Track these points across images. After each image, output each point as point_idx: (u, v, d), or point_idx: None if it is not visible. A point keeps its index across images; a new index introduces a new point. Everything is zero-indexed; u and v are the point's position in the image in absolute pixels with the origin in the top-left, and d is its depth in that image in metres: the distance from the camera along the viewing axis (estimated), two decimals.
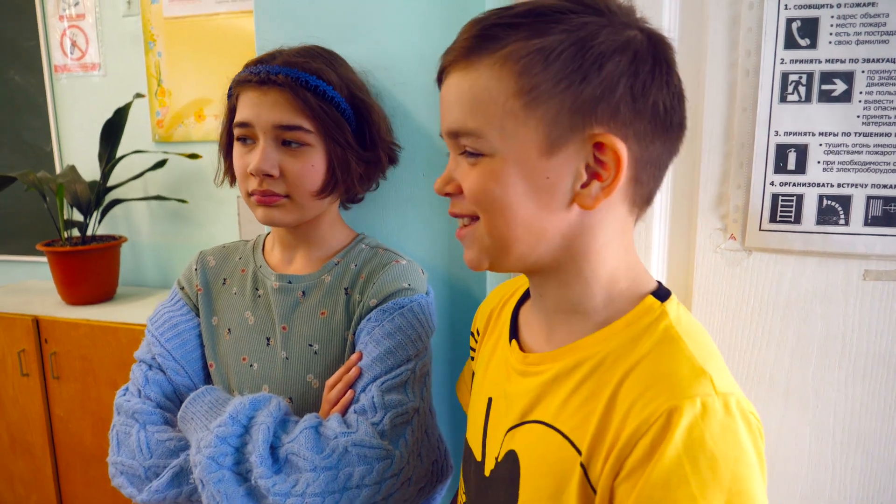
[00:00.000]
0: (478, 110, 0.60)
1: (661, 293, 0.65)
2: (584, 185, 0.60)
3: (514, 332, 0.76)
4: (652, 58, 0.60)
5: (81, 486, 2.09)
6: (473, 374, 0.87)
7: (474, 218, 0.65)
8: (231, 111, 1.00)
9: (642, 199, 0.65)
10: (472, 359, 0.89)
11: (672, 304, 0.64)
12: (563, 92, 0.57)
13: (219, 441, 0.85)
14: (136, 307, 2.09)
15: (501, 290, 0.88)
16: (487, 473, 0.73)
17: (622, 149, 0.58)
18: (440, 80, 0.67)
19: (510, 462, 0.68)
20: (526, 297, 0.79)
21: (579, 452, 0.60)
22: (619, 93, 0.58)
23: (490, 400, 0.76)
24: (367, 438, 0.86)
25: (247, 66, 0.98)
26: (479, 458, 0.75)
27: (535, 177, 0.60)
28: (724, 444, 0.53)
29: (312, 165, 0.96)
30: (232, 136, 1.00)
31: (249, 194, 0.97)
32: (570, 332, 0.67)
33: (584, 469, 0.59)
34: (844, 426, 0.96)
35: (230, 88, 1.00)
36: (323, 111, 0.94)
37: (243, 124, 0.96)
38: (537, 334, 0.72)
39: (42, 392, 2.04)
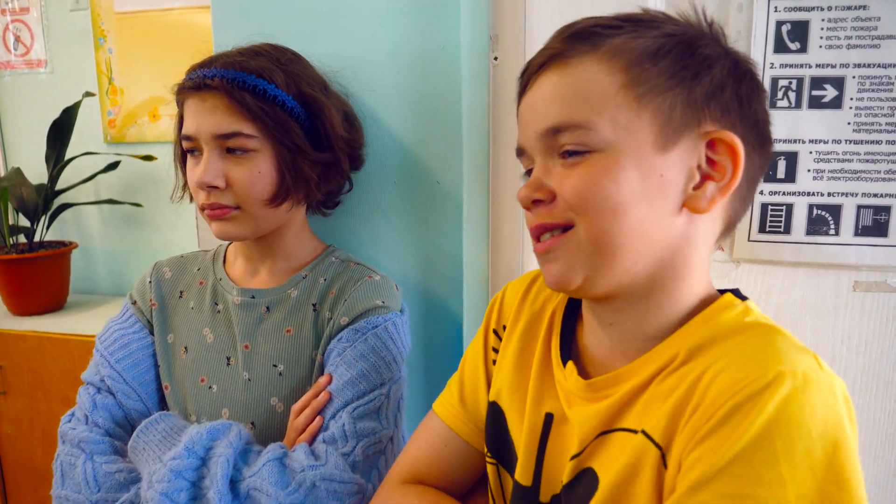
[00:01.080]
0: (585, 102, 0.57)
1: (739, 294, 0.61)
2: (696, 187, 0.57)
3: (568, 353, 0.69)
4: (748, 71, 0.60)
5: None
6: (494, 379, 0.78)
7: (565, 228, 0.60)
8: (179, 120, 0.93)
9: (732, 220, 0.62)
10: (494, 362, 0.79)
11: (752, 303, 0.60)
12: (676, 87, 0.56)
13: (173, 475, 0.78)
14: (88, 317, 1.99)
15: (530, 285, 0.79)
16: (547, 499, 0.66)
17: (739, 143, 0.56)
18: (525, 87, 0.64)
19: (587, 481, 0.61)
20: (573, 308, 0.72)
21: (657, 445, 0.55)
22: (727, 94, 0.57)
23: (549, 417, 0.68)
24: (337, 472, 0.79)
25: (187, 71, 0.91)
26: (527, 483, 0.68)
27: (650, 174, 0.56)
28: (823, 425, 0.47)
29: (259, 172, 0.89)
30: (182, 148, 0.93)
31: (202, 208, 0.91)
32: (647, 349, 0.61)
33: (662, 451, 0.54)
34: None
35: (177, 99, 0.93)
36: (264, 112, 0.87)
37: (187, 137, 0.89)
38: (603, 356, 0.66)
39: None
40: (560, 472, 0.64)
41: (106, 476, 0.86)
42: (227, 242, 1.07)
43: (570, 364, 0.66)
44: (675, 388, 0.55)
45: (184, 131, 0.90)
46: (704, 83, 0.56)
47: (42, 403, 1.89)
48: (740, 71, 0.58)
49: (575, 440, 0.63)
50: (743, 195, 0.61)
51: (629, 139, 0.56)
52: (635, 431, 0.57)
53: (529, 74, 0.63)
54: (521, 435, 0.69)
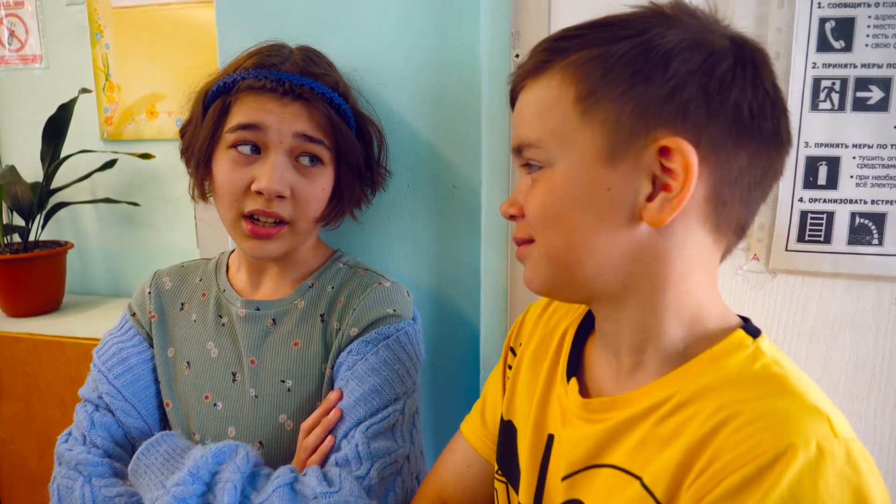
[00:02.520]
0: (538, 120, 0.58)
1: (751, 329, 0.56)
2: (649, 198, 0.54)
3: (574, 369, 0.67)
4: (733, 57, 0.53)
5: None
6: (506, 397, 0.76)
7: (530, 241, 0.61)
8: (220, 114, 0.85)
9: (729, 225, 0.57)
10: (508, 378, 0.79)
11: (765, 341, 0.56)
12: (624, 95, 0.53)
13: (176, 503, 0.73)
14: (84, 319, 1.96)
15: (547, 305, 0.78)
16: None
17: (690, 152, 0.51)
18: (512, 101, 0.64)
19: None
20: (586, 326, 0.70)
21: (657, 500, 0.52)
22: (688, 91, 0.52)
23: (551, 438, 0.66)
24: (353, 499, 0.74)
25: (250, 67, 0.85)
26: None
27: (595, 188, 0.55)
28: (840, 501, 0.45)
29: (323, 189, 0.87)
30: (214, 144, 0.86)
31: (244, 216, 0.84)
32: (645, 372, 0.59)
33: None
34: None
35: (224, 88, 0.85)
36: (341, 131, 0.86)
37: (252, 126, 0.82)
38: (603, 376, 0.64)
39: None
40: (557, 495, 0.63)
41: (105, 501, 0.81)
42: (229, 250, 1.02)
43: (573, 380, 0.65)
44: (675, 435, 0.53)
45: (250, 120, 0.82)
46: (657, 85, 0.52)
47: (37, 407, 1.86)
48: (714, 58, 0.52)
49: (563, 461, 0.62)
50: (730, 200, 0.55)
51: (573, 154, 0.55)
52: (628, 473, 0.55)
53: (511, 94, 0.64)
54: (525, 454, 0.68)
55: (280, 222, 0.85)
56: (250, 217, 0.84)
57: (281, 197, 0.83)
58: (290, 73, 0.83)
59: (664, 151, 0.52)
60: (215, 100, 0.86)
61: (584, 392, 0.64)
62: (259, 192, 0.82)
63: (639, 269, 0.56)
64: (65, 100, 1.91)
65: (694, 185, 0.52)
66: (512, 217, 0.63)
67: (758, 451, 0.46)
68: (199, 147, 0.87)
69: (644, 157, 0.53)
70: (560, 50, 0.57)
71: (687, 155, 0.51)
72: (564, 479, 0.61)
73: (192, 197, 0.94)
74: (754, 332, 0.56)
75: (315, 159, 0.85)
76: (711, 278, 0.58)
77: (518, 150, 0.60)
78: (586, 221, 0.55)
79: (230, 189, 0.84)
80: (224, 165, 0.84)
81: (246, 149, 0.83)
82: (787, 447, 0.45)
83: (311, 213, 0.87)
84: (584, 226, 0.55)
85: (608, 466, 0.57)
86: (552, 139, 0.56)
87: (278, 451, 0.88)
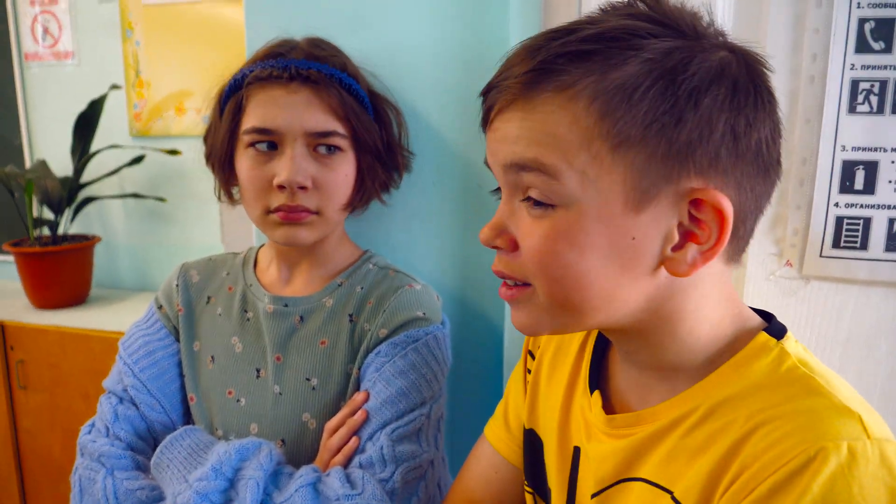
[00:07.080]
0: (554, 146, 0.50)
1: (775, 329, 0.54)
2: (675, 248, 0.51)
3: (596, 380, 0.65)
4: (753, 86, 0.50)
5: (49, 503, 1.96)
6: (527, 403, 0.74)
7: (525, 284, 0.55)
8: (235, 113, 0.86)
9: (738, 252, 0.56)
10: (528, 383, 0.77)
11: (790, 341, 0.54)
12: (656, 136, 0.48)
13: (199, 498, 0.73)
14: (110, 312, 1.97)
15: None
16: None
17: (727, 207, 0.49)
18: (486, 121, 0.56)
19: None
20: (603, 338, 0.68)
21: None
22: (718, 133, 0.48)
23: (577, 451, 0.65)
24: (375, 502, 0.74)
25: (258, 60, 0.85)
26: None
27: (619, 236, 0.50)
28: (875, 502, 0.43)
29: (346, 175, 0.86)
30: (233, 143, 0.87)
31: (271, 211, 0.85)
32: (669, 385, 0.57)
33: None
34: None
35: (236, 86, 0.86)
36: (355, 113, 0.85)
37: (265, 131, 0.83)
38: (627, 385, 0.62)
39: (7, 402, 1.91)
40: None
41: (127, 493, 0.81)
42: (257, 246, 1.02)
43: (596, 393, 0.63)
44: (705, 446, 0.51)
45: (261, 124, 0.83)
46: (689, 127, 0.48)
47: (62, 399, 1.88)
48: (739, 92, 0.49)
49: (591, 478, 0.60)
50: (744, 232, 0.54)
51: (597, 197, 0.50)
52: (659, 487, 0.54)
53: (486, 114, 0.56)
54: (553, 467, 0.67)
55: (306, 211, 0.85)
56: (277, 210, 0.84)
57: (303, 188, 0.83)
58: (296, 59, 0.83)
59: (695, 202, 0.49)
60: (229, 99, 0.87)
61: (607, 404, 0.62)
62: (281, 187, 0.82)
63: (654, 306, 0.54)
64: (95, 95, 1.94)
65: (728, 237, 0.49)
66: (496, 248, 0.56)
67: (787, 457, 0.45)
68: (219, 147, 0.88)
69: (673, 205, 0.50)
70: (557, 71, 0.49)
71: (724, 209, 0.48)
72: (594, 496, 0.60)
73: (219, 198, 0.95)
74: (778, 333, 0.54)
75: (333, 148, 0.85)
76: (727, 293, 0.56)
77: (518, 169, 0.52)
78: (606, 271, 0.51)
79: (253, 187, 0.84)
80: (245, 164, 0.85)
81: (263, 146, 0.84)
82: (817, 451, 0.44)
83: (338, 199, 0.87)
84: (603, 276, 0.51)
85: (639, 480, 0.56)
86: (573, 175, 0.49)
87: (300, 450, 0.87)
